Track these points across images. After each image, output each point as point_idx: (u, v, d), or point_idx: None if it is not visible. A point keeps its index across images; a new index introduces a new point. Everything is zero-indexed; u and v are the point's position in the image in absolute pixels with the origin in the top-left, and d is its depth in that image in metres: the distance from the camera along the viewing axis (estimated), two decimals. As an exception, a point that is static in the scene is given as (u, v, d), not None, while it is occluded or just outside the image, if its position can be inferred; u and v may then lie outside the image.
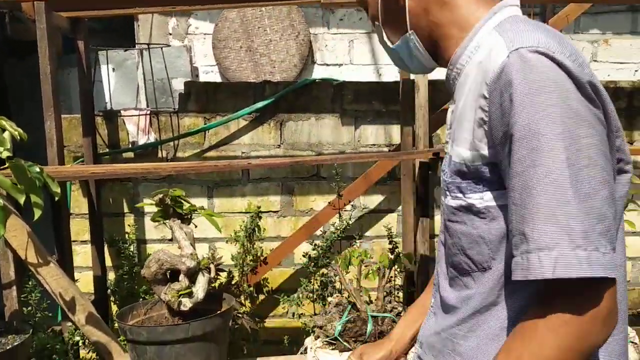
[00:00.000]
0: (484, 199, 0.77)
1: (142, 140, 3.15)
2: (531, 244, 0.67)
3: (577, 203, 0.65)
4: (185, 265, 2.03)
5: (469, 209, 0.80)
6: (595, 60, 4.22)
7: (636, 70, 4.26)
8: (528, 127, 0.67)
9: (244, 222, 3.20)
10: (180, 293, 2.01)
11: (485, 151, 0.76)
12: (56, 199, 2.04)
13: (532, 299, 0.75)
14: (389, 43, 0.94)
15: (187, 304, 2.01)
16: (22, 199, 1.89)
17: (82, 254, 3.26)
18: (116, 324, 2.13)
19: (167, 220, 2.15)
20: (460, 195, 0.81)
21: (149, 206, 2.31)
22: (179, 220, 2.13)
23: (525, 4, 3.80)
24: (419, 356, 0.96)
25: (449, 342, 0.86)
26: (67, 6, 2.59)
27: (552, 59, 0.69)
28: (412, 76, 2.94)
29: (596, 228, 0.65)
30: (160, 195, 2.12)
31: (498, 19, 0.82)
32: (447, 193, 0.86)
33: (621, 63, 4.22)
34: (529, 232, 0.67)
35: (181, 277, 2.03)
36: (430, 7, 0.86)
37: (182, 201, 2.17)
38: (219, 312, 2.01)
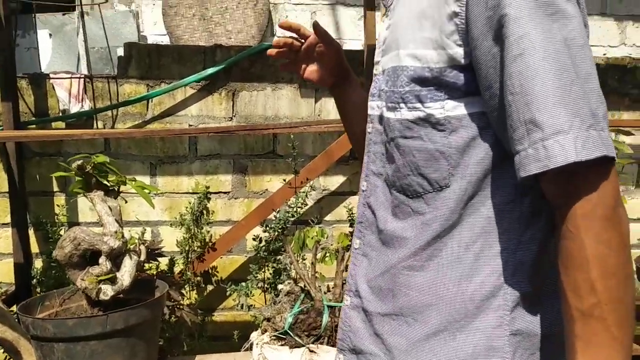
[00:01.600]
0: (444, 108, 0.72)
1: (74, 109, 2.76)
2: (546, 129, 0.60)
3: (580, 84, 0.61)
4: (108, 245, 1.70)
5: (427, 120, 0.73)
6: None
7: (604, 54, 4.13)
8: (520, 8, 0.62)
9: (190, 203, 2.86)
10: (100, 278, 1.68)
11: (453, 50, 0.70)
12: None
13: (500, 212, 0.71)
14: None
15: (108, 291, 1.68)
16: None
17: (3, 239, 2.86)
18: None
19: (88, 193, 1.81)
20: (418, 105, 0.74)
21: (70, 174, 1.96)
22: (102, 192, 1.79)
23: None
24: (360, 307, 0.84)
25: (401, 276, 0.77)
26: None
27: None
28: (379, 43, 2.67)
29: (600, 109, 0.62)
30: (80, 162, 1.77)
31: None
32: (399, 106, 0.77)
33: (590, 45, 4.08)
34: (541, 118, 0.61)
35: (102, 259, 1.70)
36: None
37: (108, 170, 1.83)
38: (146, 301, 1.69)
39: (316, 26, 1.01)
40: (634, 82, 3.13)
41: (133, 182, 1.86)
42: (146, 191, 1.85)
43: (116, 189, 1.85)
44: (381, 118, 0.83)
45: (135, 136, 2.05)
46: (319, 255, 1.84)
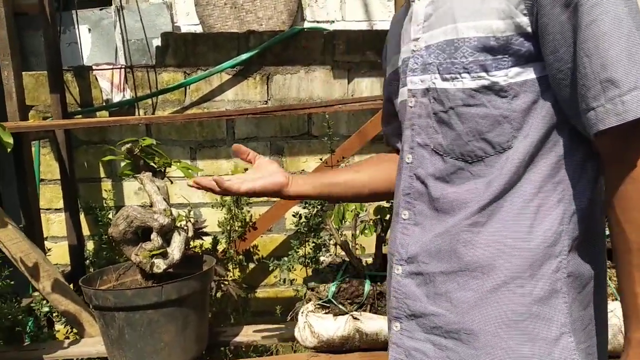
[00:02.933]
0: (508, 75, 0.76)
1: (117, 98, 2.89)
2: (623, 86, 0.67)
3: (632, 47, 0.67)
4: (158, 222, 1.80)
5: (491, 88, 0.77)
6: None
7: None
8: None
9: (230, 185, 2.97)
10: (152, 253, 1.78)
11: (520, 18, 0.74)
12: (8, 150, 1.81)
13: (556, 166, 0.77)
14: None
15: (160, 265, 1.78)
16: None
17: (57, 223, 3.02)
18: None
19: (138, 175, 1.91)
20: (483, 74, 0.77)
21: (122, 163, 2.07)
22: (150, 173, 1.89)
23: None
24: (416, 272, 0.88)
25: (464, 234, 0.81)
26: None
27: None
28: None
29: None
30: (129, 145, 1.88)
31: None
32: (460, 76, 0.80)
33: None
34: (617, 77, 0.67)
35: (153, 235, 1.80)
36: None
37: (154, 152, 1.93)
38: (196, 273, 1.79)
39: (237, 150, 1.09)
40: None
41: (178, 164, 1.96)
42: (190, 172, 1.94)
43: (162, 170, 1.95)
44: (427, 90, 0.85)
45: (177, 121, 2.15)
46: (358, 228, 1.91)
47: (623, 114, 0.67)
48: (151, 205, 1.86)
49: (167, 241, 1.86)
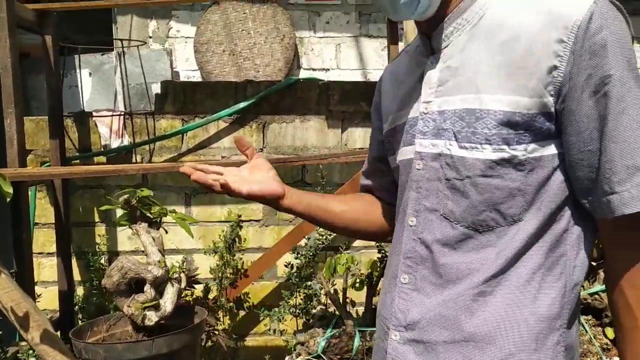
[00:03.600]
0: (527, 150, 0.78)
1: (115, 144, 2.94)
2: None
3: None
4: (152, 274, 1.82)
5: (509, 161, 0.79)
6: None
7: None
8: (622, 71, 0.73)
9: (223, 231, 2.99)
10: (145, 305, 1.79)
11: (547, 98, 0.76)
12: (7, 199, 1.83)
13: (560, 239, 0.80)
14: None
15: (152, 317, 1.79)
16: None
17: (49, 267, 3.02)
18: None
19: (134, 225, 1.94)
20: (505, 147, 0.78)
21: (117, 210, 2.10)
22: (146, 224, 1.92)
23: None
24: (415, 339, 0.86)
25: (470, 302, 0.81)
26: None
27: (622, 12, 0.76)
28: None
29: None
30: (126, 196, 1.91)
31: None
32: (481, 147, 0.80)
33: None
34: None
35: (147, 287, 1.82)
36: None
37: (151, 203, 1.96)
38: (188, 327, 1.79)
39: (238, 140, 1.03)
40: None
41: (174, 214, 1.99)
42: (186, 222, 1.97)
43: (158, 220, 1.98)
44: (439, 155, 0.85)
45: (173, 170, 2.19)
46: (349, 281, 1.93)
47: None
48: (144, 252, 1.89)
49: (159, 292, 1.87)
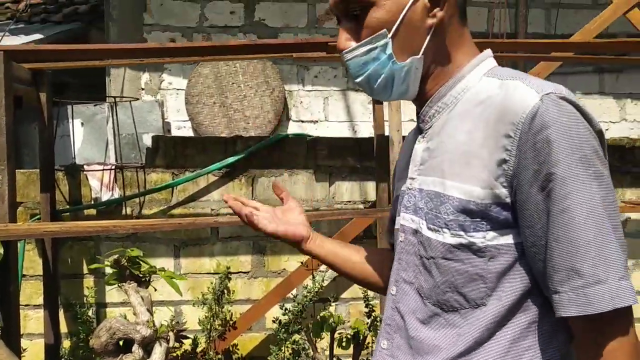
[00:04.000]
0: (486, 237, 0.79)
1: (105, 197, 2.98)
2: (587, 278, 0.71)
3: (613, 237, 0.72)
4: (140, 334, 1.84)
5: (469, 247, 0.80)
6: (568, 119, 4.25)
7: (606, 129, 4.31)
8: (568, 168, 0.73)
9: (212, 283, 3.01)
10: (132, 366, 1.80)
11: (499, 190, 0.78)
12: (-2, 260, 1.87)
13: (526, 330, 0.79)
14: (394, 58, 0.86)
15: (140, 378, 1.80)
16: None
17: (35, 320, 3.00)
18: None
19: (123, 284, 1.97)
20: (462, 233, 0.80)
21: (106, 267, 2.13)
22: (135, 284, 1.95)
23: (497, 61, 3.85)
24: None
25: None
26: (29, 57, 2.49)
27: (577, 107, 0.76)
28: (386, 132, 2.87)
29: (624, 257, 0.73)
30: (116, 256, 1.95)
31: (486, 67, 0.88)
32: (442, 230, 0.83)
33: (594, 121, 4.27)
34: (582, 268, 0.71)
35: (135, 347, 1.83)
36: (445, 39, 0.87)
37: (141, 262, 2.00)
38: (175, 387, 1.80)
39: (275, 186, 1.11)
40: (633, 161, 3.28)
41: (163, 273, 2.02)
42: (174, 281, 2.00)
43: (147, 279, 2.01)
44: (416, 232, 0.87)
45: (164, 228, 2.23)
46: (336, 340, 1.96)
47: (584, 305, 0.71)
48: (131, 304, 1.91)
49: (147, 352, 1.89)
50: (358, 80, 0.88)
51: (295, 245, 1.07)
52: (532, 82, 0.79)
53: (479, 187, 0.78)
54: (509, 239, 0.79)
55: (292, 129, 4.05)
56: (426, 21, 0.84)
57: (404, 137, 2.80)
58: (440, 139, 0.87)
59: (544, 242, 0.75)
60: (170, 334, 2.01)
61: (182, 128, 4.10)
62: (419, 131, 0.94)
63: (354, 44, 0.86)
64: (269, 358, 2.62)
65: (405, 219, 0.91)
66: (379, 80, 0.87)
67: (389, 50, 0.85)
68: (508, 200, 0.77)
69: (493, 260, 0.79)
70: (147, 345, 1.89)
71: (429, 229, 0.84)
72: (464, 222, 0.79)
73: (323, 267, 2.95)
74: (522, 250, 0.79)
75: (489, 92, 0.82)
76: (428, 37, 0.85)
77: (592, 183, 0.73)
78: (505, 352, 0.79)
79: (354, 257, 1.11)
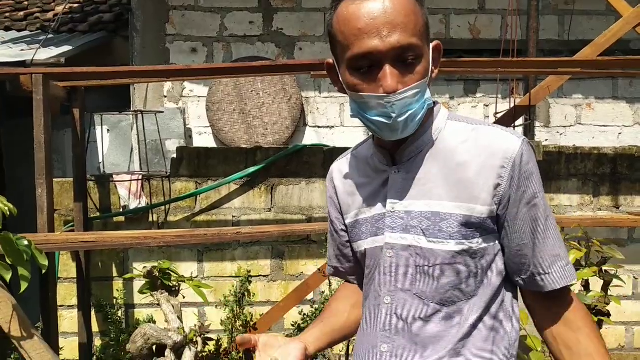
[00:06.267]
0: (479, 242, 1.01)
1: (133, 205, 3.16)
2: (564, 260, 1.03)
3: (559, 234, 1.05)
4: (172, 340, 2.01)
5: (467, 252, 1.01)
6: (579, 123, 4.33)
7: (620, 133, 4.37)
8: (541, 188, 1.02)
9: (233, 286, 3.18)
10: (165, 369, 1.98)
11: (493, 207, 1.01)
12: (43, 272, 2.05)
13: (501, 306, 1.05)
14: (426, 100, 1.00)
15: (172, 380, 1.97)
16: (8, 276, 1.89)
17: (69, 319, 3.21)
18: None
19: (155, 293, 2.14)
20: (464, 241, 1.01)
21: (138, 277, 2.30)
22: (167, 293, 2.12)
23: (509, 75, 3.95)
24: None
25: None
26: (64, 77, 2.66)
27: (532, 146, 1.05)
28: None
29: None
30: (149, 268, 2.12)
31: (444, 113, 1.09)
32: (446, 241, 1.01)
33: (604, 126, 4.33)
34: (561, 254, 1.03)
35: (167, 352, 2.01)
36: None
37: (171, 273, 2.17)
38: (204, 389, 1.97)
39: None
40: (642, 169, 3.36)
41: (191, 282, 2.19)
42: (201, 289, 2.17)
43: (177, 288, 2.18)
44: (409, 247, 1.03)
45: (191, 241, 2.40)
46: (351, 342, 2.11)
47: (569, 277, 1.02)
48: (158, 304, 2.08)
49: (178, 356, 2.06)
50: (400, 119, 0.96)
51: None
52: (497, 128, 1.05)
53: (479, 205, 1.00)
54: (491, 241, 1.03)
55: (309, 134, 4.19)
56: (432, 71, 1.02)
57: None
58: (426, 170, 1.04)
59: (527, 242, 1.02)
60: (199, 338, 2.18)
61: (203, 134, 4.27)
62: (387, 163, 1.07)
63: (403, 87, 0.94)
64: (288, 359, 2.79)
65: (393, 237, 1.04)
66: (415, 120, 0.97)
67: (427, 94, 0.99)
68: (495, 214, 1.02)
69: (482, 259, 1.02)
70: (178, 350, 2.06)
71: (431, 241, 1.02)
72: (466, 232, 1.00)
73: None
74: (499, 249, 1.04)
75: (465, 134, 1.05)
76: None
77: (546, 201, 1.05)
78: (491, 327, 1.04)
79: (340, 322, 1.22)
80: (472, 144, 1.03)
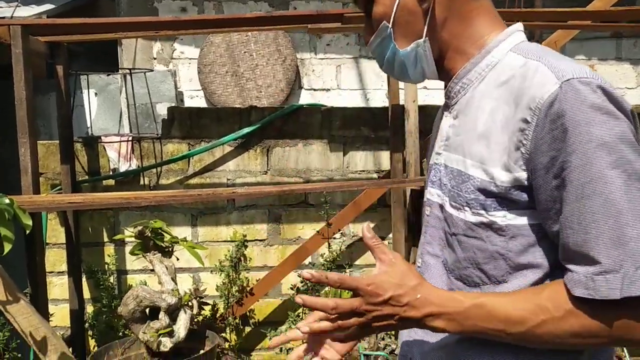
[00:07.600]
0: (506, 217, 0.79)
1: (123, 167, 3.03)
2: (597, 267, 0.71)
3: (634, 225, 0.69)
4: (166, 302, 1.92)
5: (489, 226, 0.81)
6: (582, 85, 4.21)
7: (623, 95, 4.27)
8: (584, 156, 0.71)
9: (229, 251, 3.09)
10: (160, 332, 1.89)
11: (518, 173, 0.77)
12: (27, 232, 1.93)
13: None
14: (396, 46, 0.90)
15: (167, 344, 1.89)
16: (-11, 235, 1.77)
17: (59, 286, 3.11)
18: (91, 365, 1.99)
19: (147, 254, 2.04)
20: (482, 212, 0.81)
21: (129, 237, 2.20)
22: (160, 254, 2.02)
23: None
24: None
25: (464, 349, 0.85)
26: (45, 31, 2.50)
27: (602, 89, 0.73)
28: (401, 101, 2.88)
29: None
30: (140, 227, 2.01)
31: (512, 42, 0.86)
32: (463, 208, 0.84)
33: (608, 88, 4.22)
34: (594, 256, 0.71)
35: (161, 314, 1.91)
36: (450, 18, 0.87)
37: (163, 233, 2.06)
38: (201, 351, 1.89)
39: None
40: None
41: (185, 243, 2.09)
42: (196, 250, 2.07)
43: (170, 249, 2.08)
44: (442, 207, 0.89)
45: (184, 200, 2.28)
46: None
47: (591, 290, 0.71)
48: (152, 270, 1.99)
49: (173, 319, 1.97)
50: (383, 68, 0.95)
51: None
52: (554, 64, 0.76)
53: (500, 169, 0.79)
54: (529, 220, 0.78)
55: (305, 97, 4.05)
56: (421, 5, 0.86)
57: (420, 107, 2.81)
58: (465, 117, 0.87)
59: (557, 227, 0.76)
60: (194, 301, 2.09)
61: (194, 97, 4.11)
62: (445, 106, 0.94)
63: (370, 38, 0.93)
64: (286, 322, 2.72)
65: (432, 194, 0.93)
66: (395, 67, 0.93)
67: (393, 40, 0.90)
68: (527, 183, 0.77)
69: (514, 239, 0.79)
70: (173, 313, 1.97)
71: (452, 206, 0.86)
72: (484, 201, 0.80)
73: (337, 235, 3.01)
74: (544, 231, 0.78)
75: (511, 71, 0.81)
76: (427, 20, 0.86)
77: (611, 171, 0.70)
78: None
79: None
80: (510, 84, 0.80)
